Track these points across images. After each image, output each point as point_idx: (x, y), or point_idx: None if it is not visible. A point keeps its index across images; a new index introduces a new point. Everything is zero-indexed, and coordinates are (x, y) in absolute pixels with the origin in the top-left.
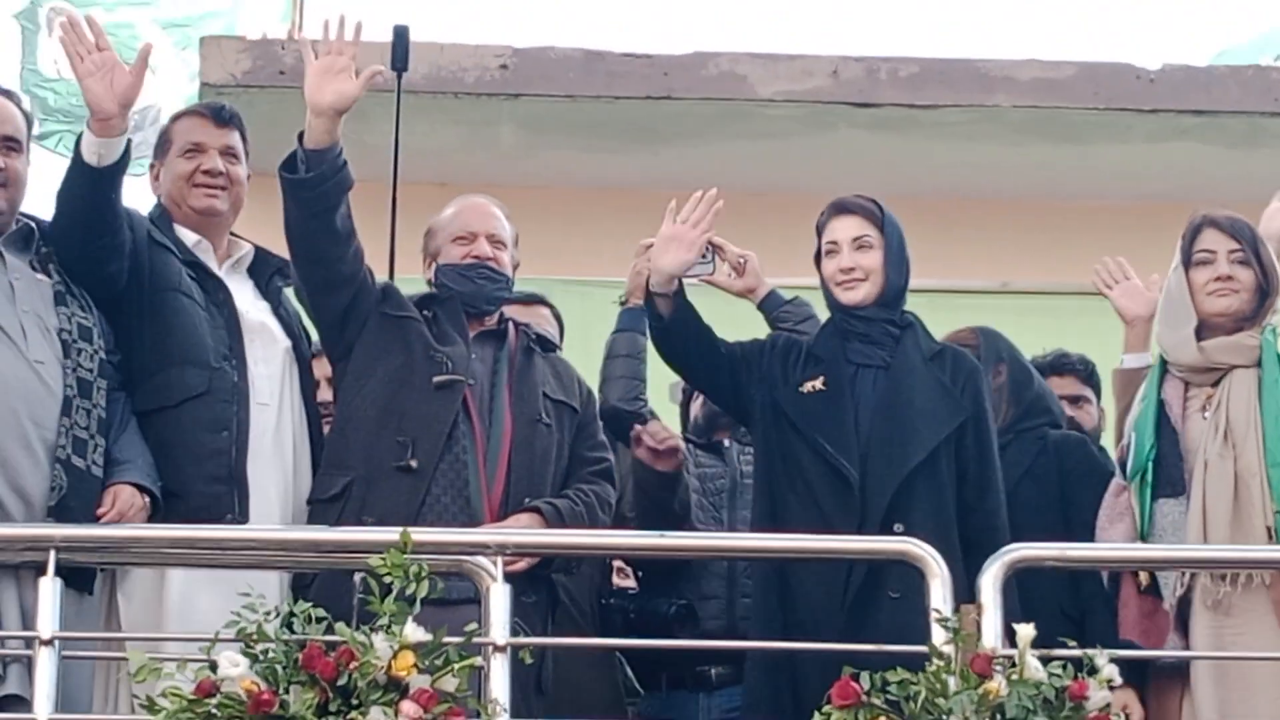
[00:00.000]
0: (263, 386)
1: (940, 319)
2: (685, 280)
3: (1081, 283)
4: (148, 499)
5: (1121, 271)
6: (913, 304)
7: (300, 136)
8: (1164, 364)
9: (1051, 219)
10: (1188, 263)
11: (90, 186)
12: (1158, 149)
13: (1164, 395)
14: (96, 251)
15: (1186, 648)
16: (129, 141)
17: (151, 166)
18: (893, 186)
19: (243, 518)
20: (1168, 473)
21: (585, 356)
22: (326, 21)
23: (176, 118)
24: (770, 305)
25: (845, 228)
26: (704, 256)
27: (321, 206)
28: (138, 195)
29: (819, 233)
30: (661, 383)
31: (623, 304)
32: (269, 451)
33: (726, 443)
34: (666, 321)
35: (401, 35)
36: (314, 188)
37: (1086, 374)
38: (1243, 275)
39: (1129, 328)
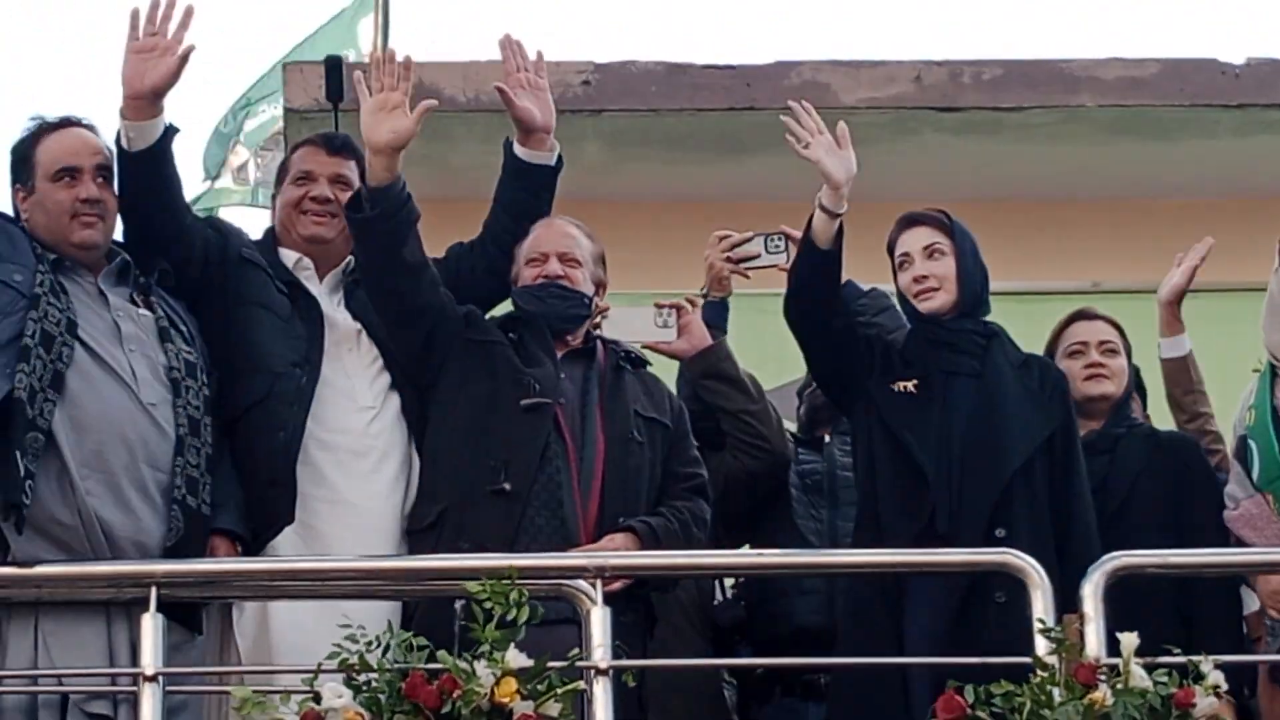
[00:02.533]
0: (363, 390)
1: (1031, 322)
2: (751, 268)
3: None
4: (239, 546)
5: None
6: (1003, 307)
7: (362, 175)
8: (1273, 369)
9: (1140, 218)
10: None
11: (131, 170)
12: (1245, 143)
13: (1276, 402)
14: (157, 238)
15: None
16: (170, 128)
17: (273, 197)
18: (979, 190)
19: (290, 520)
20: None
21: (675, 368)
22: (376, 57)
23: (295, 148)
24: (848, 295)
25: (915, 239)
26: (776, 246)
27: (389, 242)
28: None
29: (891, 250)
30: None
31: (704, 297)
32: (372, 450)
33: (827, 438)
34: (822, 254)
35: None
36: (380, 225)
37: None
38: None
39: (1159, 308)
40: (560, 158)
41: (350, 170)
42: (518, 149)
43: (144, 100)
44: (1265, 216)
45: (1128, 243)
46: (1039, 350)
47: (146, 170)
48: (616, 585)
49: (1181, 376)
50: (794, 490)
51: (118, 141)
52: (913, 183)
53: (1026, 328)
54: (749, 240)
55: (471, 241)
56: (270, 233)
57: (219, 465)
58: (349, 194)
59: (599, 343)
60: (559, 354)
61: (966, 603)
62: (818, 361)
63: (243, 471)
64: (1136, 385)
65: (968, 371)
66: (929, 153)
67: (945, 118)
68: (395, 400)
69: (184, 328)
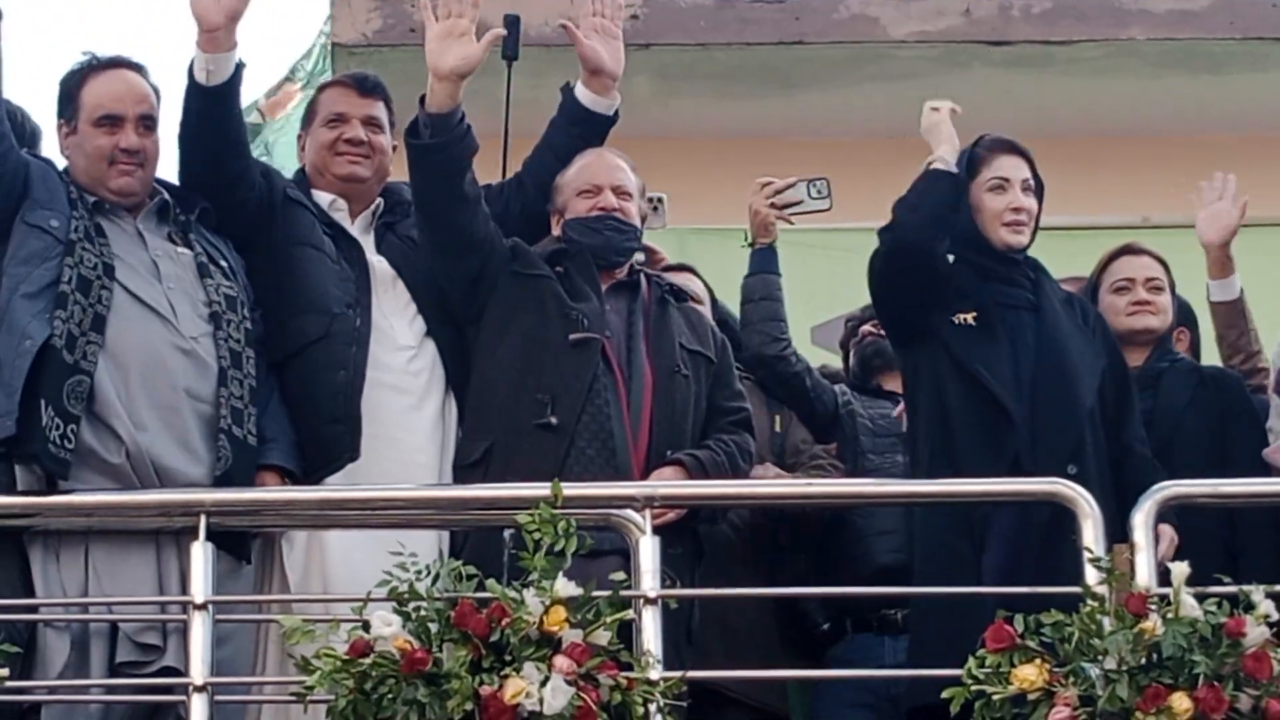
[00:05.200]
0: (402, 330)
1: (1082, 256)
2: (795, 214)
3: None
4: (288, 482)
5: (1217, 192)
6: (1053, 243)
7: (422, 100)
8: None
9: (1191, 152)
10: None
11: (204, 106)
12: None
13: None
14: (223, 176)
15: None
16: (240, 64)
17: (299, 137)
18: (1029, 125)
19: (355, 455)
20: None
21: (725, 303)
22: None
23: (322, 88)
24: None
25: (1016, 167)
26: (819, 191)
27: (447, 171)
28: None
29: (976, 164)
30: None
31: (751, 246)
32: (413, 389)
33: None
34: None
35: (513, 24)
36: (439, 153)
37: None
38: None
39: (1207, 254)
40: (617, 111)
41: (381, 111)
42: (580, 93)
43: (221, 32)
44: None
45: (1177, 177)
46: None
47: (220, 107)
48: (669, 517)
49: (1235, 319)
50: (864, 439)
51: (191, 77)
52: (962, 117)
53: (1075, 264)
54: (792, 186)
55: (506, 182)
56: (301, 173)
57: (267, 401)
58: (380, 136)
59: (642, 275)
60: (605, 286)
61: (1045, 542)
62: (903, 290)
63: (299, 409)
64: (1186, 318)
65: (1024, 305)
66: (978, 87)
67: (994, 52)
68: (432, 342)
69: (224, 263)
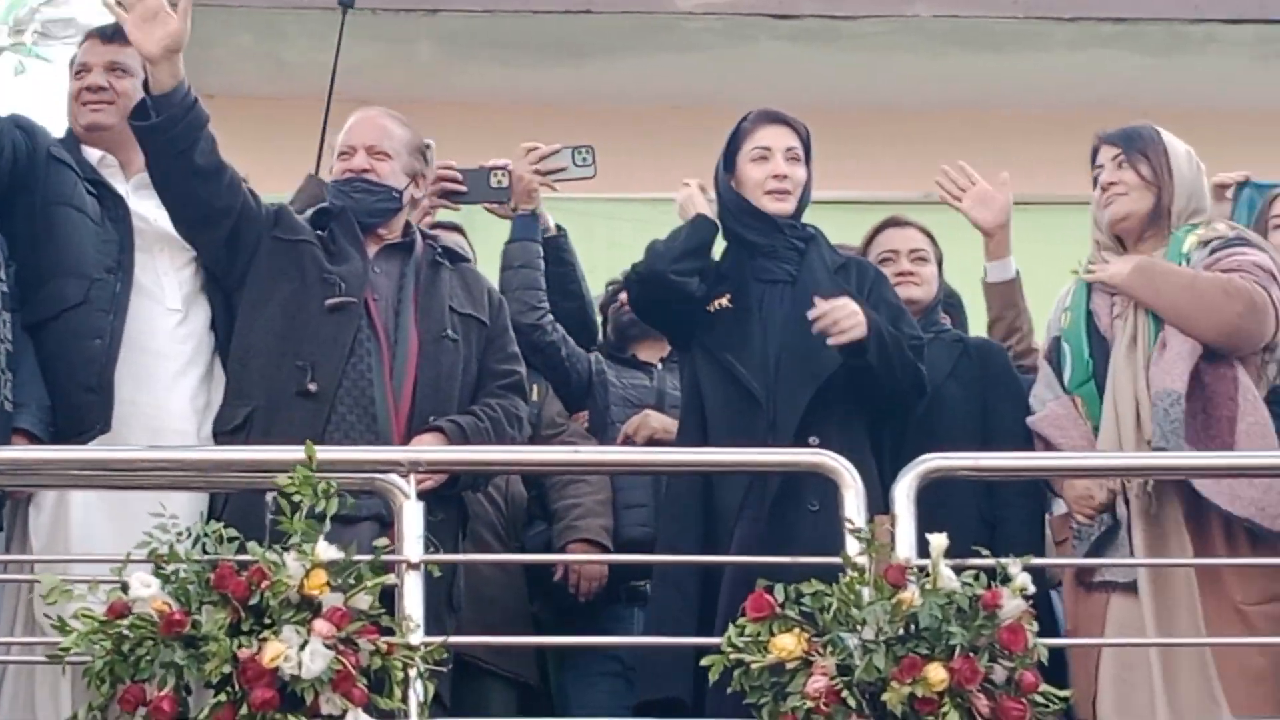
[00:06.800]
0: (173, 292)
1: (863, 231)
2: (559, 180)
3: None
4: None
5: (967, 178)
6: (836, 217)
7: (145, 84)
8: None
9: (972, 129)
10: (1095, 182)
11: None
12: (1078, 57)
13: (1093, 306)
14: None
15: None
16: None
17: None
18: (813, 98)
19: (106, 427)
20: (1103, 383)
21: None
22: None
23: (81, 44)
24: None
25: (779, 137)
26: (584, 159)
27: (179, 148)
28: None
29: (739, 137)
30: None
31: (513, 210)
32: (178, 355)
33: (659, 365)
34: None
35: None
36: (166, 131)
37: None
38: (1127, 177)
39: (987, 237)
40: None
41: (131, 57)
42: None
43: None
44: (1095, 130)
45: (959, 154)
46: None
47: None
48: (432, 484)
49: (1012, 299)
50: (615, 408)
51: None
52: (747, 90)
53: (856, 238)
54: (556, 153)
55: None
56: (70, 132)
57: (21, 364)
58: (124, 80)
59: (418, 236)
60: (375, 249)
61: (778, 511)
62: (657, 318)
63: (53, 376)
64: (951, 305)
65: (783, 279)
66: (764, 59)
67: (781, 25)
68: (206, 305)
69: None
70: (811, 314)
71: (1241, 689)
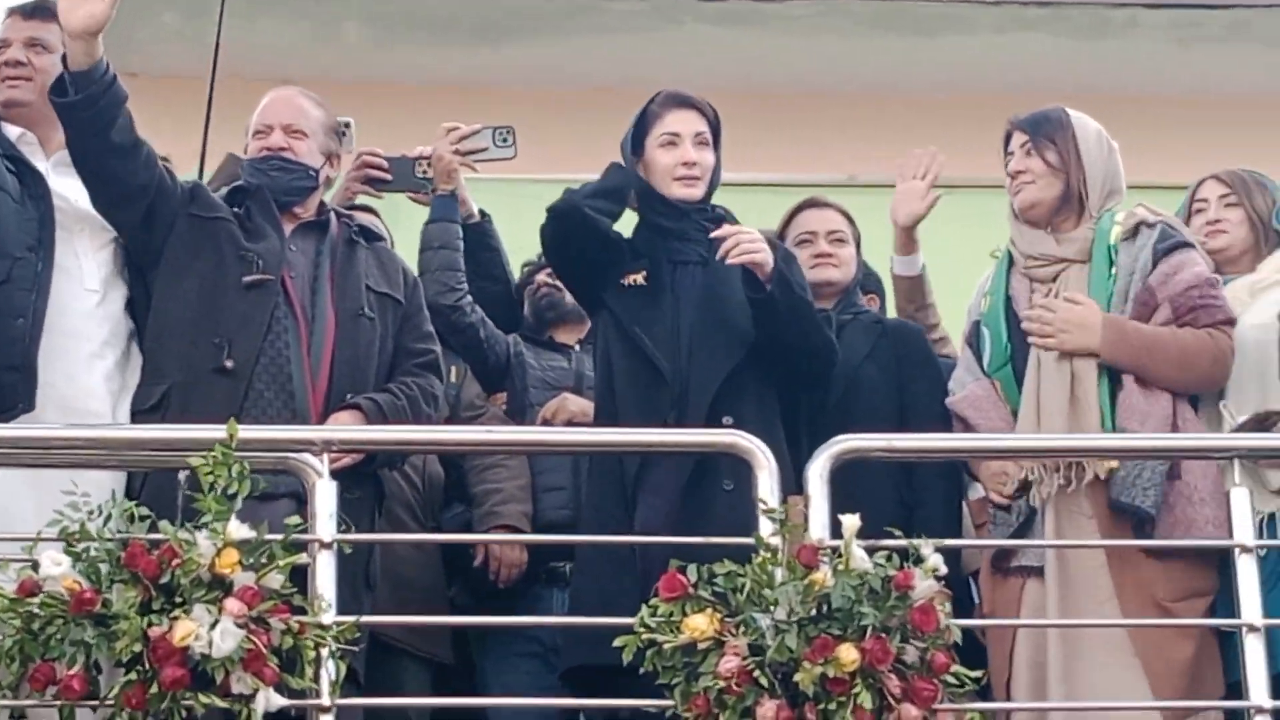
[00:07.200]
0: (91, 273)
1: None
2: (479, 161)
3: None
4: None
5: (921, 168)
6: (760, 199)
7: (64, 59)
8: (1010, 258)
9: (898, 113)
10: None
11: None
12: (1003, 41)
13: (1011, 291)
14: None
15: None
16: None
17: None
18: (739, 81)
19: (30, 406)
20: (1020, 367)
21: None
22: None
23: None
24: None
25: (687, 122)
26: (504, 140)
27: (97, 126)
28: None
29: (647, 120)
30: None
31: (432, 191)
32: (95, 336)
33: (577, 346)
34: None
35: None
36: (87, 108)
37: None
38: (1034, 165)
39: (899, 231)
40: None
41: (51, 33)
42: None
43: None
44: (1024, 114)
45: (886, 137)
46: None
47: None
48: (346, 462)
49: (915, 293)
50: (532, 390)
51: None
52: (673, 72)
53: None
54: (477, 133)
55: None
56: None
57: None
58: (44, 56)
59: (333, 215)
60: (290, 227)
61: (691, 490)
62: (567, 257)
63: None
64: (874, 284)
65: (694, 259)
66: (690, 42)
67: (706, 8)
68: (124, 290)
69: None
70: (715, 234)
71: (1168, 683)
